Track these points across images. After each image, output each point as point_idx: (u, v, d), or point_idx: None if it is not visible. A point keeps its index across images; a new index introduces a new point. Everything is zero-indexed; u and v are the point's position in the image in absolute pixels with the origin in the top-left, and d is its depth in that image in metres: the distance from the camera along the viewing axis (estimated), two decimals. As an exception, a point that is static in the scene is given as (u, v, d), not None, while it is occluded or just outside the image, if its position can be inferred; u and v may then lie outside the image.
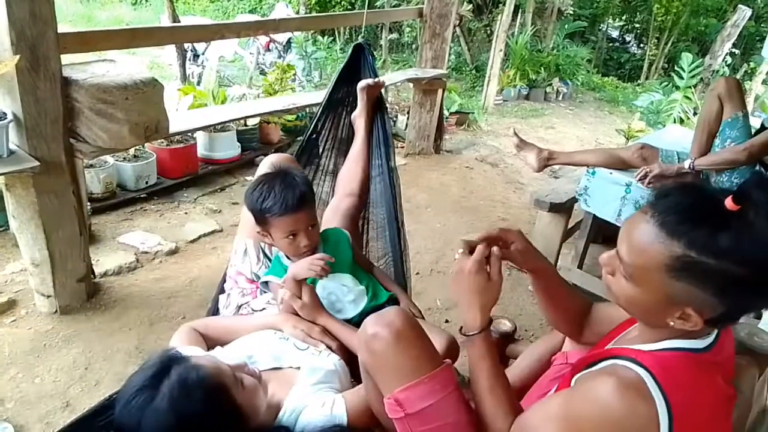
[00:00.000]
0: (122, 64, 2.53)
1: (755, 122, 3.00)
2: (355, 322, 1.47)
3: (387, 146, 2.01)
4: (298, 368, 1.32)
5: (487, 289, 1.18)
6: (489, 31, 8.26)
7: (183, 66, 5.27)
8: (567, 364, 1.41)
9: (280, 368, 1.33)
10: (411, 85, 4.78)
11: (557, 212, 3.00)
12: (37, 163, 2.10)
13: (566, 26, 8.71)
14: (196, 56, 6.57)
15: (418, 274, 3.12)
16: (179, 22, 4.87)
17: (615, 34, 11.54)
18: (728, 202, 0.89)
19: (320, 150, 2.14)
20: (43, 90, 2.10)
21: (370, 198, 2.00)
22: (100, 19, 9.58)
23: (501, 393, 1.14)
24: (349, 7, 9.24)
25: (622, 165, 2.68)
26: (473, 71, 8.34)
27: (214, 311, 1.78)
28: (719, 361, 1.01)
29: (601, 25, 10.82)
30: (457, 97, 6.21)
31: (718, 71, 6.93)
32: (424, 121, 4.84)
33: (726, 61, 7.33)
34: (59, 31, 2.13)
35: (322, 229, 1.67)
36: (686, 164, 2.50)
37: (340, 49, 8.39)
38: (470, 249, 1.21)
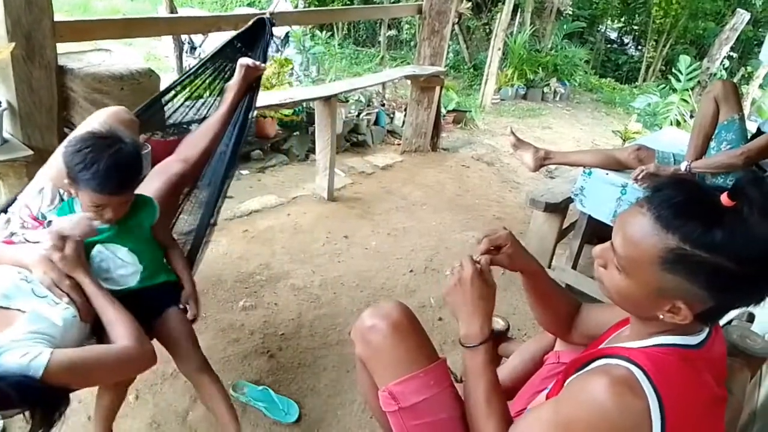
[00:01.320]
0: (118, 55, 2.51)
1: (751, 126, 3.01)
2: (118, 297, 1.41)
3: (242, 130, 1.96)
4: (24, 312, 1.27)
5: (489, 296, 1.18)
6: (488, 30, 8.25)
7: (180, 58, 5.23)
8: (559, 363, 1.41)
9: (6, 308, 1.27)
10: (409, 82, 4.77)
11: (552, 212, 3.00)
12: (31, 152, 2.09)
13: (565, 26, 8.72)
14: (193, 49, 6.55)
15: (411, 271, 3.12)
16: (176, 13, 4.83)
17: (613, 35, 11.56)
18: (724, 198, 0.90)
19: (178, 104, 2.09)
20: (38, 78, 2.09)
21: (203, 172, 1.94)
22: (96, 9, 9.52)
23: (497, 405, 1.13)
24: (348, 2, 9.21)
25: (618, 166, 2.68)
26: (471, 70, 8.34)
27: None
28: (710, 359, 1.02)
29: (600, 26, 10.84)
30: (454, 95, 6.21)
31: (715, 74, 6.94)
32: (421, 118, 4.83)
33: (723, 65, 7.35)
34: (55, 19, 2.11)
35: (143, 186, 1.60)
36: (683, 167, 2.51)
37: (339, 45, 8.36)
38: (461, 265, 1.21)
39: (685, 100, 5.95)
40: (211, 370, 1.71)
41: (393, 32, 9.10)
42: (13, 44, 1.95)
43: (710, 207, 0.91)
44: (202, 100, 2.12)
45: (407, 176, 4.46)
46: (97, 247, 1.50)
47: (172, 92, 2.05)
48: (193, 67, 2.11)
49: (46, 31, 2.07)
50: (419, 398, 1.12)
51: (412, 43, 8.64)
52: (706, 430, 1.00)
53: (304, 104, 4.31)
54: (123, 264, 1.53)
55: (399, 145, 5.06)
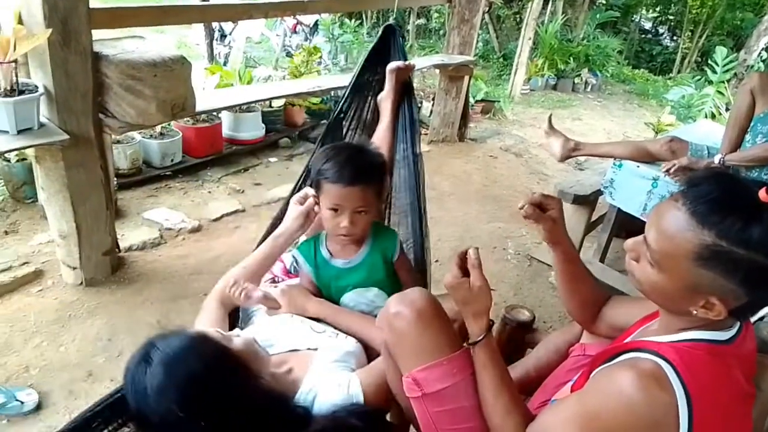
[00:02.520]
0: (151, 42, 2.55)
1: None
2: None
3: (413, 131, 1.97)
4: (316, 349, 1.33)
5: (473, 299, 1.17)
6: (518, 19, 8.14)
7: (210, 45, 5.30)
8: (584, 355, 1.41)
9: (297, 350, 1.34)
10: (437, 71, 4.74)
11: (581, 204, 2.97)
12: (67, 137, 2.13)
13: (598, 16, 8.54)
14: (223, 36, 6.60)
15: (437, 261, 3.12)
16: (208, 0, 4.88)
17: (648, 25, 11.28)
18: (762, 194, 0.89)
19: (344, 131, 2.12)
20: (73, 64, 2.13)
21: (393, 182, 1.97)
22: (130, -3, 9.63)
23: (508, 400, 1.13)
24: (378, -10, 9.16)
25: (649, 158, 2.64)
26: (500, 59, 8.24)
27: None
28: (740, 355, 1.00)
29: (634, 16, 10.59)
30: (483, 85, 6.15)
31: (752, 66, 6.76)
32: (449, 108, 4.80)
33: (761, 56, 7.14)
34: (91, 6, 2.15)
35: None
36: (716, 159, 2.46)
37: (367, 33, 8.34)
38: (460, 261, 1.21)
39: (720, 93, 5.80)
40: None
41: (422, 21, 9.04)
42: (50, 30, 1.99)
43: (748, 203, 0.89)
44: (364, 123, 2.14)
45: (434, 166, 4.44)
46: (347, 296, 1.51)
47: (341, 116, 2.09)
48: (346, 92, 2.11)
49: (82, 17, 2.10)
50: (442, 385, 1.13)
51: (441, 32, 8.58)
52: (734, 427, 0.99)
53: (332, 93, 4.32)
54: (375, 305, 1.52)
55: (426, 134, 5.04)
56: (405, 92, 2.01)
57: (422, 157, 1.97)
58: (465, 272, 1.18)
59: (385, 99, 1.97)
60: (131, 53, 2.31)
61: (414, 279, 1.57)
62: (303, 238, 1.60)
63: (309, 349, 1.34)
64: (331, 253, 1.51)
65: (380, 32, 2.16)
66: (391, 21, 2.21)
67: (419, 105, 5.36)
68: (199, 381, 1.03)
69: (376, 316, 1.48)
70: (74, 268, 2.48)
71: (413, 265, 1.78)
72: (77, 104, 2.19)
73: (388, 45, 2.14)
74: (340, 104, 2.11)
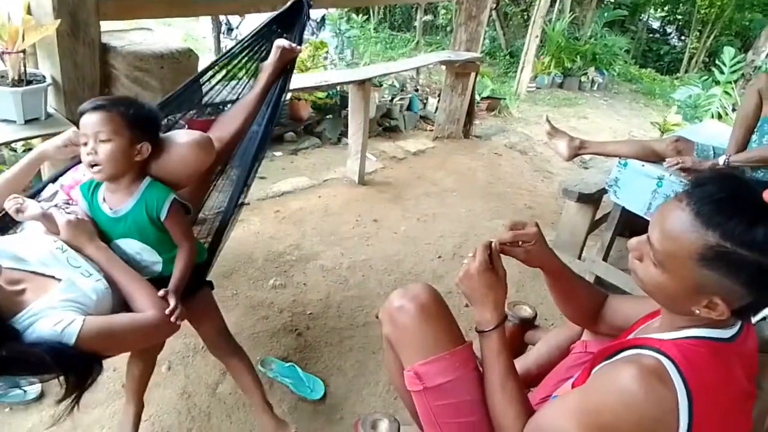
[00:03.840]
0: (158, 34, 2.56)
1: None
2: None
3: (275, 110, 1.95)
4: (59, 281, 1.30)
5: (497, 285, 1.20)
6: (526, 17, 8.13)
7: (217, 38, 5.30)
8: (586, 352, 1.41)
9: (42, 274, 1.31)
10: (443, 67, 4.74)
11: (585, 203, 2.97)
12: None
13: (606, 14, 8.52)
14: (230, 30, 6.63)
15: (440, 257, 3.13)
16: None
17: (656, 25, 11.24)
18: (766, 195, 0.89)
19: (215, 82, 2.08)
20: (81, 55, 2.13)
21: (234, 151, 1.94)
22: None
23: (513, 390, 1.15)
24: (385, -14, 9.15)
25: (655, 157, 2.63)
26: (507, 57, 8.23)
27: (35, 193, 1.70)
28: (742, 353, 1.01)
29: (642, 14, 10.55)
30: (489, 82, 6.15)
31: (760, 67, 6.73)
32: (455, 104, 4.80)
33: (770, 58, 7.11)
34: (99, -3, 2.16)
35: (166, 172, 1.52)
36: (721, 160, 2.45)
37: (374, 29, 8.34)
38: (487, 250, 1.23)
39: (728, 93, 5.78)
40: (237, 347, 1.80)
41: (429, 17, 9.02)
42: (58, 21, 1.99)
43: (752, 204, 0.90)
44: (237, 81, 2.14)
45: (439, 162, 4.45)
46: (116, 242, 1.51)
47: (210, 72, 2.08)
48: (231, 48, 2.13)
49: (91, 8, 2.10)
50: (444, 379, 1.14)
51: (448, 29, 8.57)
52: (734, 425, 1.00)
53: (338, 87, 4.32)
54: (141, 258, 1.53)
55: (431, 131, 5.05)
56: (284, 72, 1.99)
57: (269, 140, 1.96)
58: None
59: (264, 70, 1.95)
60: (139, 45, 2.32)
61: (188, 238, 1.54)
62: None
63: (54, 278, 1.31)
64: (103, 198, 1.50)
65: (288, 4, 2.13)
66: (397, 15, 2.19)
67: (424, 101, 5.37)
68: None
69: (149, 273, 1.52)
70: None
71: (211, 232, 1.81)
72: (84, 95, 2.19)
73: (292, 20, 2.12)
74: (222, 55, 2.09)
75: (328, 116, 4.69)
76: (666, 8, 10.82)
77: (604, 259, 2.90)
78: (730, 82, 5.86)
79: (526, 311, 1.88)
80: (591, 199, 2.95)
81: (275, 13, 2.14)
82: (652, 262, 0.99)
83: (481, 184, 4.19)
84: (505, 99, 6.04)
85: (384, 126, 4.97)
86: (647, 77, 8.98)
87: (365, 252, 3.08)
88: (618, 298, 1.40)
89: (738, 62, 5.92)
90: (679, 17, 10.79)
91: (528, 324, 1.87)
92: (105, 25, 2.27)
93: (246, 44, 2.10)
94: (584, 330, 1.50)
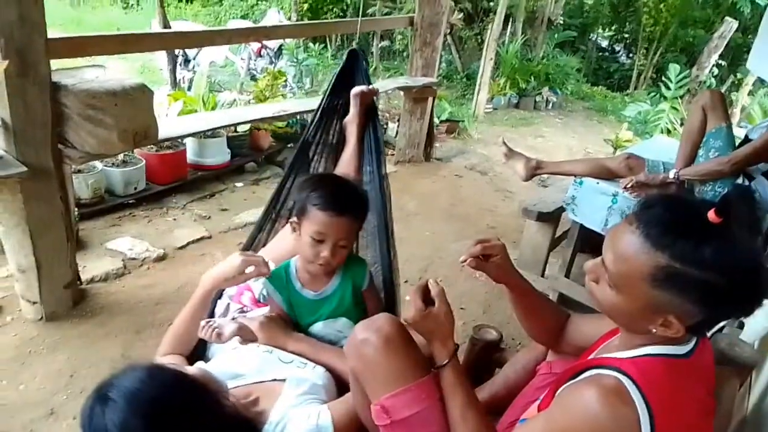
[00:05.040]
0: (112, 70, 2.53)
1: (740, 133, 3.04)
2: None
3: (378, 153, 2.00)
4: (284, 380, 1.32)
5: (437, 327, 1.20)
6: (480, 40, 8.31)
7: (173, 71, 5.27)
8: (551, 373, 1.43)
9: (264, 381, 1.33)
10: (401, 93, 4.80)
11: (545, 221, 3.02)
12: (25, 169, 2.09)
13: (556, 36, 8.79)
14: (187, 61, 6.57)
15: (406, 281, 3.12)
16: (170, 27, 4.86)
17: (605, 44, 11.64)
18: (711, 215, 0.92)
19: (311, 156, 2.12)
20: (31, 95, 2.09)
21: None
22: (90, 23, 9.54)
23: (474, 420, 1.15)
24: (341, 14, 9.26)
25: (609, 175, 2.71)
26: (464, 79, 8.38)
27: (210, 314, 1.74)
28: (699, 368, 1.03)
29: (591, 34, 10.92)
30: (447, 105, 6.24)
31: (705, 82, 7.01)
32: (415, 128, 4.86)
33: (713, 73, 7.42)
34: (49, 35, 2.12)
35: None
36: (671, 174, 2.53)
37: (332, 56, 8.40)
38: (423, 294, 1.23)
39: (675, 108, 6.00)
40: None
41: (386, 43, 9.15)
42: (6, 62, 1.96)
43: (698, 224, 0.92)
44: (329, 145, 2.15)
45: (401, 186, 4.47)
46: (316, 326, 1.50)
47: (307, 146, 2.08)
48: (312, 119, 2.12)
49: (39, 47, 2.08)
50: (411, 412, 1.13)
51: (405, 54, 8.69)
52: (695, 439, 1.01)
53: (298, 116, 4.33)
54: (342, 335, 1.51)
55: (393, 155, 5.08)
56: (370, 115, 2.04)
57: (388, 179, 1.99)
58: (427, 303, 1.20)
59: (351, 122, 1.99)
60: (91, 82, 2.29)
61: (380, 308, 1.56)
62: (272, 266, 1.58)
63: (276, 380, 1.32)
64: (302, 283, 1.50)
65: (345, 57, 2.19)
66: (354, 45, 2.24)
67: (385, 126, 5.41)
68: (162, 407, 0.97)
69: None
70: (34, 303, 2.41)
71: (382, 287, 1.79)
72: (36, 135, 2.15)
73: (352, 69, 2.17)
74: (308, 129, 2.12)
75: (288, 145, 4.68)
76: (613, 27, 11.23)
77: (566, 275, 2.95)
78: (677, 98, 6.09)
79: (492, 334, 1.89)
80: (550, 218, 3.01)
81: (336, 70, 2.17)
82: (608, 284, 1.01)
83: (444, 207, 4.22)
84: (463, 121, 6.14)
85: (345, 152, 4.98)
86: (599, 95, 9.26)
87: (331, 280, 3.05)
88: (579, 317, 1.43)
89: (684, 78, 6.16)
90: (626, 35, 11.19)
91: (494, 347, 1.88)
92: (55, 63, 2.24)
93: (322, 111, 2.10)
94: (549, 350, 1.52)
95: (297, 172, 2.05)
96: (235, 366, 1.36)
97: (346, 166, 1.95)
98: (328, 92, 2.14)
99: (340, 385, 1.39)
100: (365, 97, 2.01)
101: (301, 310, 1.50)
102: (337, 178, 1.52)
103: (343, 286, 1.49)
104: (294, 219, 1.46)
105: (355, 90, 2.01)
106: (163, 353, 1.49)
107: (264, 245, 1.92)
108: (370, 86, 2.06)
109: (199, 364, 1.38)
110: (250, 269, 1.44)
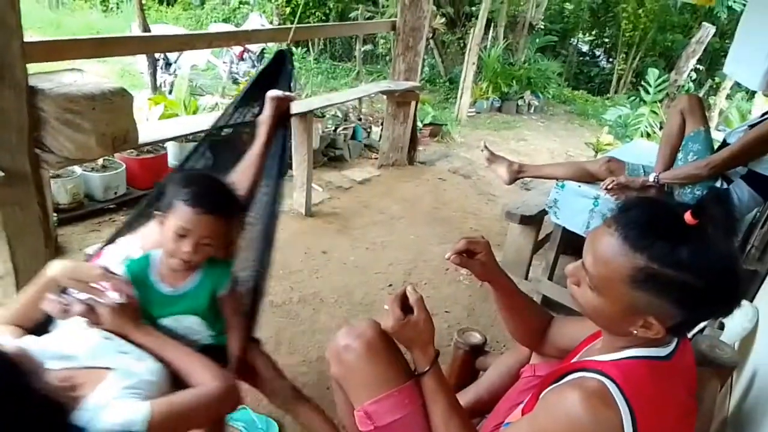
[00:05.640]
0: (90, 74, 2.49)
1: (719, 136, 3.09)
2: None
3: (282, 160, 1.96)
4: (113, 370, 1.27)
5: (417, 335, 1.19)
6: (462, 44, 8.36)
7: (154, 75, 5.22)
8: (535, 376, 1.43)
9: (93, 367, 1.27)
10: (384, 96, 4.80)
11: (528, 224, 3.04)
12: (1, 174, 2.05)
13: (537, 40, 8.88)
14: (168, 65, 6.52)
15: (390, 285, 3.13)
16: (150, 30, 4.82)
17: (585, 48, 11.78)
18: (687, 217, 0.93)
19: (217, 150, 2.04)
20: (7, 99, 2.05)
21: (251, 206, 1.91)
22: (69, 26, 9.43)
23: (457, 427, 1.15)
24: (324, 18, 9.26)
25: (590, 178, 2.73)
26: (447, 83, 8.43)
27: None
28: (680, 369, 1.04)
29: (572, 39, 11.05)
30: (430, 108, 6.27)
31: (683, 86, 7.11)
32: (398, 132, 4.86)
33: (691, 77, 7.53)
34: (26, 38, 2.09)
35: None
36: (651, 177, 2.56)
37: (315, 60, 8.40)
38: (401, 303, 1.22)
39: (654, 112, 6.08)
40: (303, 396, 1.73)
41: (368, 47, 9.16)
42: (-19, 65, 1.93)
43: (675, 226, 0.93)
44: (236, 143, 2.07)
45: (385, 190, 4.48)
46: (166, 320, 1.46)
47: (213, 137, 2.05)
48: (224, 112, 2.08)
49: (16, 51, 2.04)
50: (394, 417, 1.13)
51: (388, 58, 8.71)
52: (677, 440, 1.02)
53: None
54: (191, 332, 1.49)
55: (376, 159, 5.08)
56: (282, 121, 1.98)
57: (283, 188, 1.95)
58: (405, 311, 1.20)
59: (262, 124, 1.93)
60: (68, 86, 2.25)
61: (237, 319, 1.54)
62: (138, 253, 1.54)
63: (107, 368, 1.27)
64: (160, 277, 1.46)
65: (272, 56, 2.15)
66: (284, 46, 2.20)
67: (368, 130, 5.42)
68: None
69: (196, 345, 1.47)
70: (11, 311, 2.36)
71: (250, 292, 1.78)
72: (12, 140, 2.11)
73: (278, 71, 2.13)
74: (218, 123, 2.07)
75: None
76: (593, 32, 11.37)
77: (550, 278, 2.97)
78: (656, 102, 6.18)
79: (476, 337, 1.89)
80: (533, 221, 3.03)
81: (261, 68, 2.13)
82: (589, 286, 1.01)
83: (428, 210, 4.23)
84: (446, 125, 6.17)
85: (329, 156, 4.98)
86: (580, 98, 9.36)
87: (315, 285, 3.04)
88: (562, 319, 1.43)
89: (663, 82, 6.26)
90: (606, 40, 11.34)
91: (478, 350, 1.88)
92: (32, 67, 2.20)
93: (237, 105, 2.07)
94: (533, 353, 1.52)
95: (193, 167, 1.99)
96: (68, 347, 1.30)
97: (248, 165, 1.88)
98: (248, 88, 2.10)
99: (179, 384, 1.35)
100: (281, 103, 1.94)
101: (153, 303, 1.46)
102: (210, 177, 1.48)
103: (200, 287, 1.46)
104: (161, 212, 1.43)
105: (272, 93, 1.94)
106: None
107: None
108: (288, 93, 1.99)
109: (28, 339, 1.32)
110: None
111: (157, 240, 1.47)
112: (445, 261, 1.29)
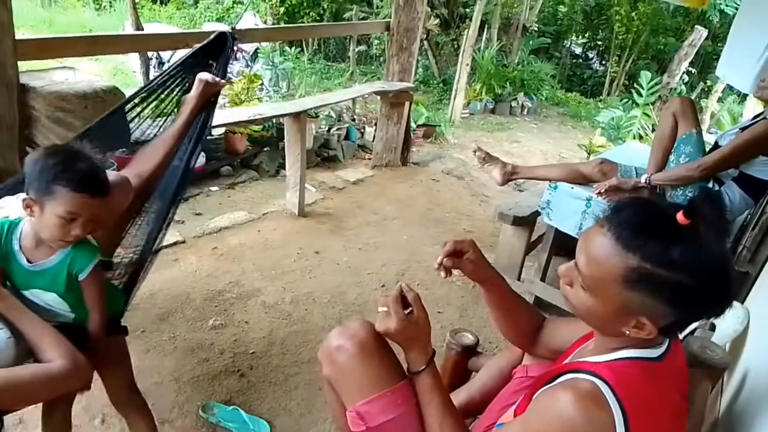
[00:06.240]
0: (82, 72, 2.48)
1: (710, 138, 3.11)
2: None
3: (196, 144, 1.91)
4: None
5: (417, 332, 1.19)
6: (456, 46, 8.38)
7: (146, 74, 5.20)
8: (527, 377, 1.43)
9: None
10: (378, 97, 4.80)
11: (520, 225, 3.05)
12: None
13: (531, 42, 8.91)
14: (161, 64, 6.49)
15: (383, 286, 3.13)
16: (143, 29, 4.80)
17: (578, 50, 11.83)
18: (679, 217, 0.93)
19: (135, 115, 2.01)
20: (-2, 97, 2.04)
21: (156, 185, 1.87)
22: (62, 24, 9.37)
23: (452, 426, 1.15)
24: (318, 18, 9.25)
25: (582, 180, 2.74)
26: (440, 84, 8.44)
27: None
28: (672, 370, 1.04)
29: (565, 41, 11.10)
30: (424, 109, 6.27)
31: (675, 89, 7.16)
32: (391, 133, 4.86)
33: (683, 80, 7.59)
34: (18, 36, 2.08)
35: None
36: (643, 179, 2.57)
37: (309, 60, 8.38)
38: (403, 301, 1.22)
39: (647, 114, 6.12)
40: (144, 403, 1.73)
41: (362, 47, 9.16)
42: (-28, 63, 1.91)
43: (667, 226, 0.93)
44: (160, 115, 2.05)
45: (378, 191, 4.48)
46: (26, 292, 1.43)
47: (131, 105, 1.99)
48: (153, 79, 2.06)
49: (7, 48, 2.03)
50: (386, 418, 1.12)
51: (382, 58, 8.71)
52: (668, 442, 1.02)
53: (274, 120, 4.30)
54: (51, 308, 1.46)
55: (370, 159, 5.08)
56: (207, 106, 1.96)
57: (190, 175, 1.92)
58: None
59: (187, 103, 1.90)
60: (60, 84, 2.24)
61: (98, 301, 1.49)
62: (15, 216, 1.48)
63: None
64: (21, 247, 1.41)
65: (212, 37, 2.12)
66: (227, 28, 2.17)
67: (362, 130, 5.41)
68: None
69: (55, 321, 1.43)
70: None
71: (128, 271, 1.76)
72: (3, 138, 2.10)
73: (217, 52, 2.11)
74: (144, 87, 2.04)
75: (265, 149, 4.65)
76: (586, 35, 11.43)
77: (542, 279, 2.98)
78: (649, 104, 6.21)
79: (468, 338, 1.89)
80: (526, 222, 3.04)
81: (200, 45, 2.11)
82: (582, 286, 1.01)
83: (421, 211, 4.23)
84: (440, 126, 6.17)
85: (322, 156, 4.97)
86: (573, 101, 9.40)
87: (308, 285, 3.04)
88: (554, 320, 1.43)
89: (655, 84, 6.29)
90: (599, 43, 11.40)
91: (470, 351, 1.88)
92: (24, 65, 2.19)
93: (169, 75, 2.04)
94: (525, 354, 1.52)
95: (110, 130, 1.94)
96: None
97: (162, 141, 1.84)
98: (182, 60, 2.06)
99: (27, 356, 1.32)
100: (209, 87, 1.91)
101: (12, 274, 1.42)
102: (83, 154, 1.39)
103: (59, 267, 1.42)
104: (30, 197, 1.35)
105: (202, 75, 1.91)
106: None
107: None
108: (218, 79, 1.95)
109: None
110: None
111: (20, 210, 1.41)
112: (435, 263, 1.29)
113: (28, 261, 1.40)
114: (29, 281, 1.41)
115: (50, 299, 1.44)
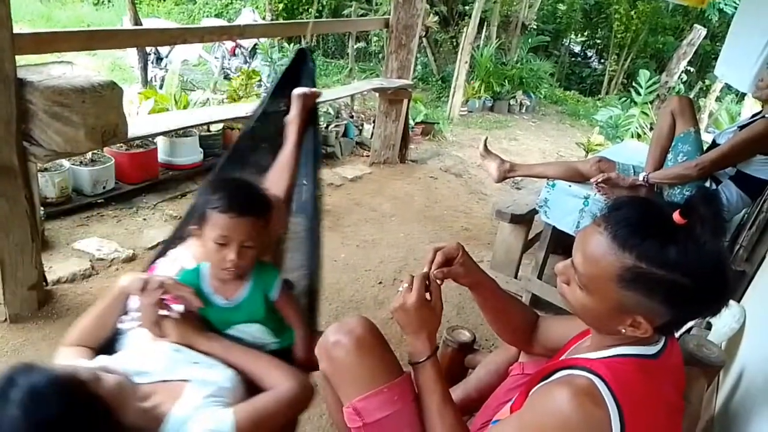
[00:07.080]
0: (80, 67, 2.47)
1: (708, 137, 3.11)
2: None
3: (315, 157, 1.96)
4: (189, 381, 1.28)
5: (432, 318, 1.20)
6: (455, 43, 8.37)
7: (144, 69, 5.19)
8: (523, 374, 1.43)
9: (169, 380, 1.27)
10: (377, 94, 4.80)
11: (518, 223, 3.05)
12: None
13: (530, 40, 8.90)
14: (159, 59, 6.48)
15: (380, 283, 3.13)
16: (141, 24, 4.78)
17: (577, 49, 11.83)
18: (676, 216, 0.93)
19: (250, 154, 2.04)
20: (-5, 91, 2.04)
21: (292, 207, 1.91)
22: (60, 19, 9.34)
23: (451, 419, 1.15)
24: (317, 15, 9.23)
25: (580, 178, 2.74)
26: (439, 82, 8.43)
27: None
28: (668, 368, 1.04)
29: (564, 40, 11.08)
30: (422, 107, 6.27)
31: (674, 88, 7.16)
32: (390, 130, 4.86)
33: (682, 79, 7.59)
34: (15, 31, 2.07)
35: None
36: (641, 177, 2.57)
37: (307, 57, 8.35)
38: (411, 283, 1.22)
39: (645, 113, 6.12)
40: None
41: (361, 44, 9.15)
42: (-31, 57, 1.90)
43: (664, 225, 0.93)
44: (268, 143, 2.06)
45: (376, 188, 4.48)
46: (230, 330, 1.45)
47: (245, 140, 2.05)
48: (253, 114, 2.09)
49: (5, 43, 2.02)
50: (383, 414, 1.12)
51: (381, 55, 8.70)
52: (664, 439, 1.03)
53: (272, 116, 4.29)
54: (257, 339, 1.48)
55: (368, 156, 5.08)
56: (311, 119, 1.99)
57: (323, 184, 1.95)
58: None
59: (290, 123, 1.93)
60: (58, 79, 2.23)
61: (297, 317, 1.54)
62: (191, 264, 1.52)
63: (182, 380, 1.27)
64: (213, 289, 1.45)
65: (293, 56, 2.16)
66: (304, 44, 2.21)
67: (360, 127, 5.41)
68: (57, 422, 0.92)
69: (264, 349, 1.47)
70: (-3, 305, 2.34)
71: (305, 291, 1.77)
72: (0, 132, 2.09)
73: (299, 69, 2.13)
74: (249, 126, 2.07)
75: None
76: (585, 33, 11.42)
77: (539, 277, 2.98)
78: (647, 103, 6.21)
79: (465, 335, 1.89)
80: (523, 220, 3.04)
81: (282, 71, 2.13)
82: (578, 285, 1.01)
83: (419, 208, 4.23)
84: (438, 123, 6.17)
85: (320, 153, 4.96)
86: (571, 99, 9.40)
87: (305, 282, 3.03)
88: (549, 318, 1.43)
89: (653, 83, 6.29)
90: (598, 41, 11.39)
91: (467, 348, 1.88)
92: (21, 59, 2.18)
93: (265, 107, 2.06)
94: (521, 351, 1.52)
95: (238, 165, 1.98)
96: (140, 363, 1.30)
97: (282, 166, 1.87)
98: (272, 89, 2.09)
99: (251, 388, 1.35)
100: (307, 100, 1.95)
101: (212, 316, 1.45)
102: (236, 179, 1.49)
103: (253, 295, 1.45)
104: (195, 227, 1.41)
105: (298, 91, 1.95)
106: (69, 343, 1.42)
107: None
108: (313, 89, 2.01)
109: (101, 359, 1.31)
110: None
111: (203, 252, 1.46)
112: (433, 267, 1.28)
113: (222, 299, 1.43)
114: (230, 318, 1.44)
115: (255, 330, 1.47)
